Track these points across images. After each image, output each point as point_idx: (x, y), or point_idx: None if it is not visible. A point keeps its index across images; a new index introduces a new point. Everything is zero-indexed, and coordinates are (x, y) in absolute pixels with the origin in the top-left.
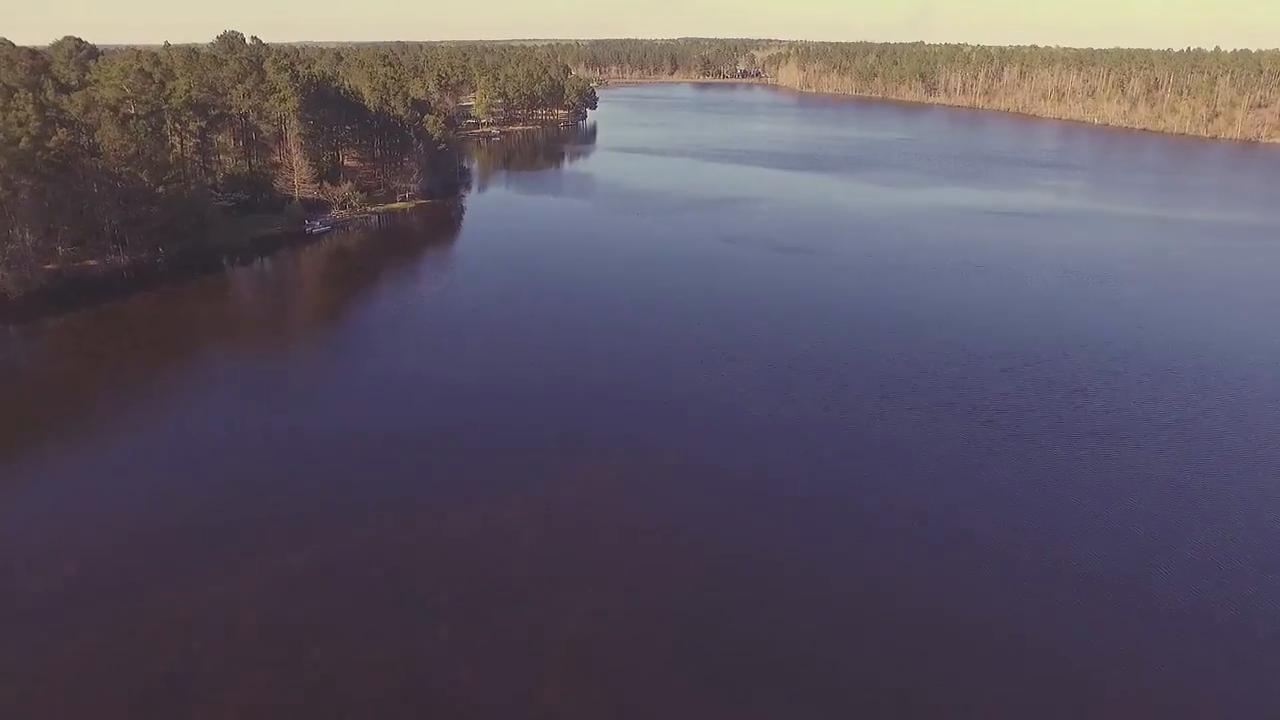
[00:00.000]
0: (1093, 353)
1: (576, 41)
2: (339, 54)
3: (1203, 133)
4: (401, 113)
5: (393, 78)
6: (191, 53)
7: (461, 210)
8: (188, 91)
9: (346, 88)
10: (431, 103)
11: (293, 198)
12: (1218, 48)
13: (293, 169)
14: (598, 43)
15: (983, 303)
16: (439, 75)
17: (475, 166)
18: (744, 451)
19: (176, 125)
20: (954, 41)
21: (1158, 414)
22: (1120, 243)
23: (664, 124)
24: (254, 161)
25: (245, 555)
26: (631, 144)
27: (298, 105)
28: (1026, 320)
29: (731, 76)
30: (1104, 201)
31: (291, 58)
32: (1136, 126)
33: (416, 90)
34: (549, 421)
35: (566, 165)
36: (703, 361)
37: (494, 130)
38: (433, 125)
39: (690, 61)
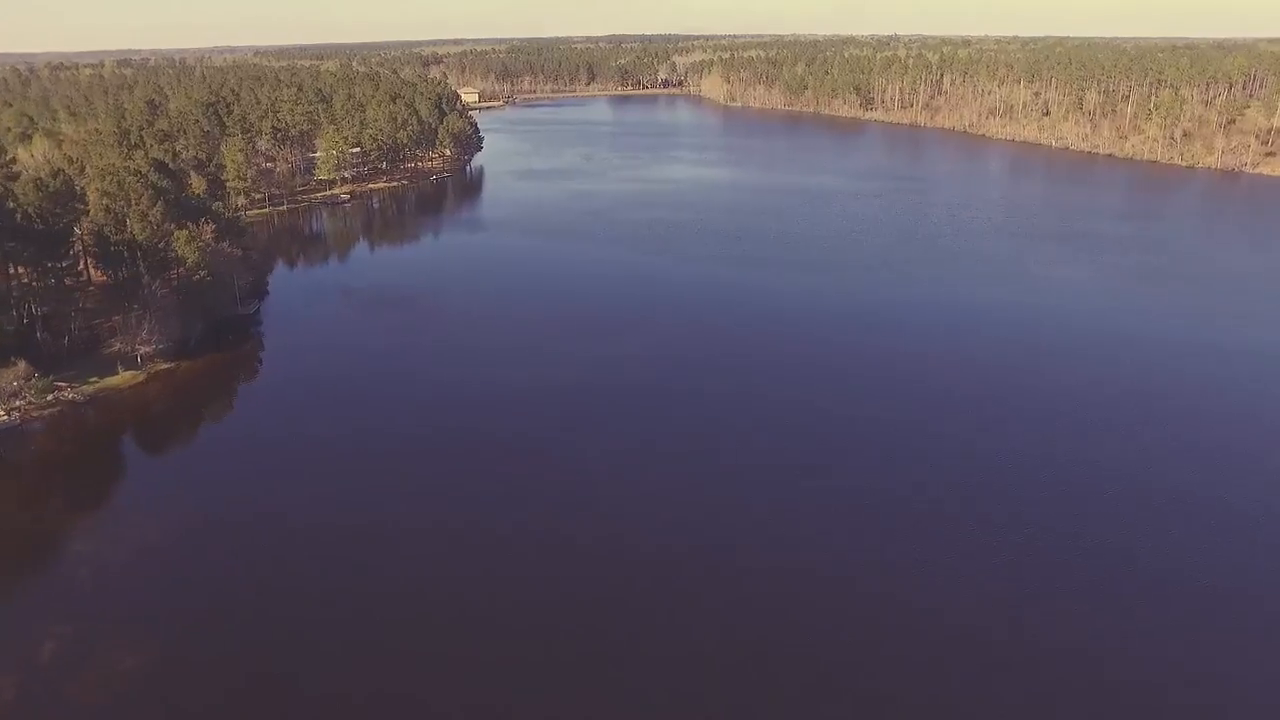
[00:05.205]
0: None
1: (494, 45)
2: (155, 101)
3: (1177, 159)
4: (138, 232)
5: (136, 172)
6: None
7: (221, 383)
8: None
9: (62, 188)
10: (232, 186)
11: None
12: (1170, 42)
13: None
14: (511, 50)
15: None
16: (274, 128)
17: (328, 232)
18: None
19: None
20: (885, 33)
21: None
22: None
23: (564, 171)
24: None
25: None
26: (515, 215)
27: None
28: None
29: (652, 87)
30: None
31: None
32: (1101, 151)
33: (231, 160)
34: None
35: (409, 269)
36: None
37: (344, 193)
38: (186, 246)
39: (608, 71)
